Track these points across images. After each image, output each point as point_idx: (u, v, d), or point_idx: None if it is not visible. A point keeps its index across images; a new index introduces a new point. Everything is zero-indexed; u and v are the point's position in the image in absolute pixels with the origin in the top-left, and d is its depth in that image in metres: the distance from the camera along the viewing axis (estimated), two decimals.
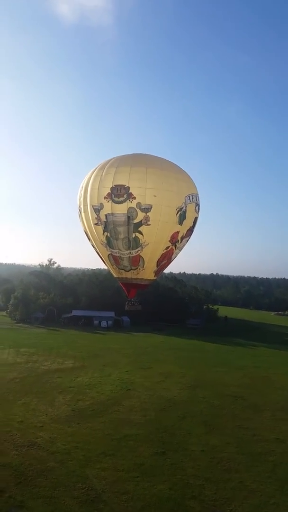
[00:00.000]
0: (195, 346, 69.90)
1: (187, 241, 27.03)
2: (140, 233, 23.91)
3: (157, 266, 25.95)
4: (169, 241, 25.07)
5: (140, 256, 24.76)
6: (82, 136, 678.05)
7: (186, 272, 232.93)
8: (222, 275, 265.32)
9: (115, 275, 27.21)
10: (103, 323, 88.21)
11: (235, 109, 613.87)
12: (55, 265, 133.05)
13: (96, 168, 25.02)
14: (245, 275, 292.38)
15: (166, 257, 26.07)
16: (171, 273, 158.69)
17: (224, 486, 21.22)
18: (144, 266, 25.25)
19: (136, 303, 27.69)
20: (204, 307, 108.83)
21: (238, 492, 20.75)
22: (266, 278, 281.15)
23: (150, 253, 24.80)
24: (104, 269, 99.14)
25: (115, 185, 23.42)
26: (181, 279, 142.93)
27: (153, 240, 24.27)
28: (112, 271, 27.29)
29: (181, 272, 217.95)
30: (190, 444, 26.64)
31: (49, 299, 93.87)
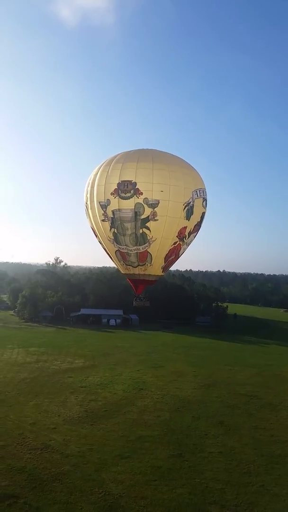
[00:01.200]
0: (206, 344, 69.07)
1: (195, 236, 26.38)
2: (148, 228, 23.33)
3: (164, 262, 25.36)
4: (177, 236, 24.48)
5: (148, 252, 24.19)
6: (86, 136, 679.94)
7: (192, 269, 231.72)
8: (229, 272, 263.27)
9: (122, 272, 26.64)
10: (112, 321, 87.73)
11: (237, 107, 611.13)
12: (62, 264, 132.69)
13: (103, 164, 24.38)
14: (252, 272, 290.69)
15: (174, 253, 25.46)
16: (177, 270, 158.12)
17: (245, 490, 20.46)
18: (152, 262, 24.68)
19: (144, 299, 27.20)
20: (213, 304, 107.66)
21: (261, 497, 19.97)
22: (274, 274, 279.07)
23: (158, 249, 24.21)
24: (111, 267, 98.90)
25: (122, 181, 22.85)
26: (188, 277, 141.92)
27: (160, 235, 23.67)
28: (119, 268, 26.73)
29: (188, 269, 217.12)
30: (207, 445, 25.89)
31: (57, 297, 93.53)
